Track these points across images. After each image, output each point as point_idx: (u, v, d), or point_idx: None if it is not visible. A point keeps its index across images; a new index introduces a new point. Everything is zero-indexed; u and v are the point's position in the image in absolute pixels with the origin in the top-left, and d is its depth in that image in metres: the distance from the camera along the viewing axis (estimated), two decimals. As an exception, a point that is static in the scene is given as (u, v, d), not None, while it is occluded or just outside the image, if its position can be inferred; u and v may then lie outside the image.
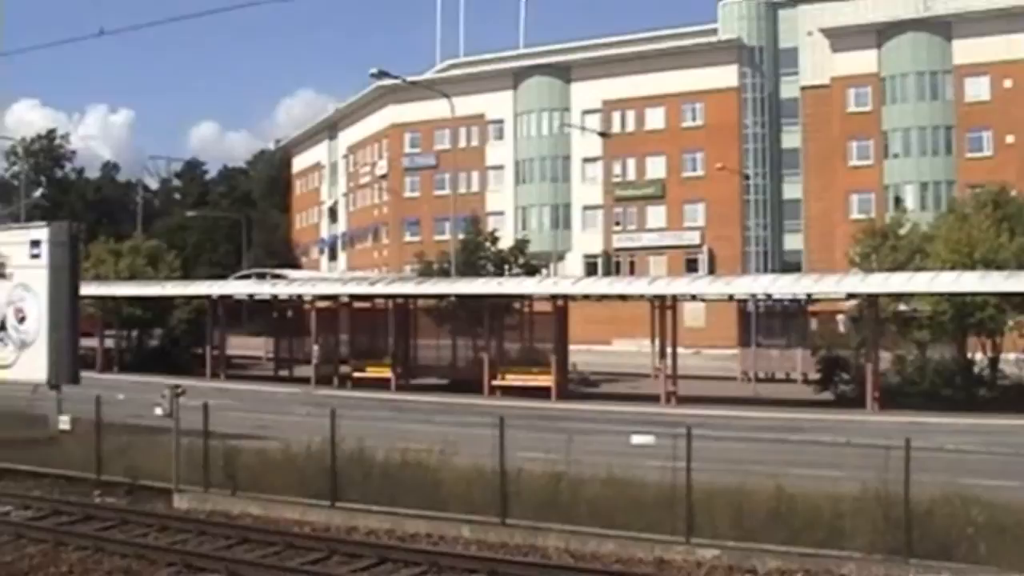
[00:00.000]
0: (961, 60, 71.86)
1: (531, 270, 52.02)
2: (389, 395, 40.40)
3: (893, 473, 14.39)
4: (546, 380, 39.53)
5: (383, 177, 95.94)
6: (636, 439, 18.28)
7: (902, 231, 41.96)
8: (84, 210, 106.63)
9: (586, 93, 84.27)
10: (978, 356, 37.28)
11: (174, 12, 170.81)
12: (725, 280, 44.30)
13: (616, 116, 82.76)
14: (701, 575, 14.84)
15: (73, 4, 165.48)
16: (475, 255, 51.72)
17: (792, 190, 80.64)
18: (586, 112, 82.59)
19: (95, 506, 19.68)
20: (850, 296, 38.43)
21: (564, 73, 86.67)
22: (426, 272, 52.00)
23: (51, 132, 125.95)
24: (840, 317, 44.19)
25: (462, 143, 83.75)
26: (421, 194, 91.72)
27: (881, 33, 74.94)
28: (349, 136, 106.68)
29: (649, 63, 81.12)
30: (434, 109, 74.32)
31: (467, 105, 74.87)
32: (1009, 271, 33.98)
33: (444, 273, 49.59)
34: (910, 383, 36.13)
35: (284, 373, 50.57)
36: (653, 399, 37.25)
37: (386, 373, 43.13)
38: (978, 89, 71.80)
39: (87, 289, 37.03)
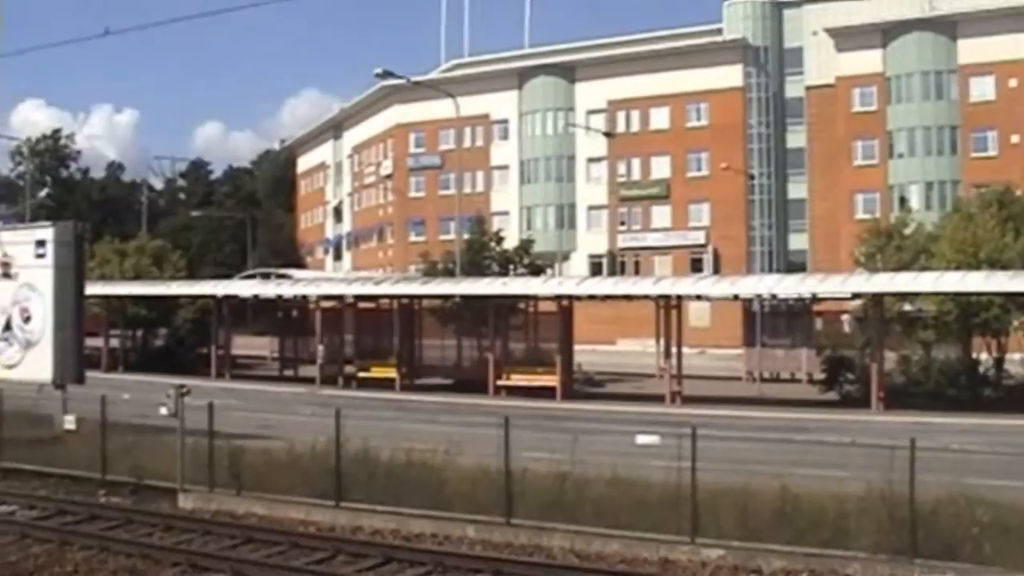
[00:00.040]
0: (966, 60, 71.76)
1: (536, 270, 51.93)
2: (394, 395, 40.42)
3: (898, 473, 14.38)
4: (551, 380, 39.54)
5: (388, 177, 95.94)
6: (641, 439, 18.27)
7: (907, 231, 41.92)
8: (89, 210, 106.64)
9: (591, 93, 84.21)
10: (983, 356, 37.27)
11: (179, 12, 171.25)
12: (730, 280, 44.28)
13: (621, 116, 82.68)
14: (706, 575, 14.84)
15: (78, 4, 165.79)
16: (480, 255, 51.63)
17: (797, 190, 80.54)
18: (591, 112, 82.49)
19: (100, 506, 19.71)
20: (855, 296, 38.44)
21: (569, 73, 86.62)
22: (431, 272, 51.94)
23: (56, 132, 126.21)
24: (845, 317, 44.23)
25: (467, 143, 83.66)
26: (426, 194, 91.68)
27: (886, 33, 74.85)
28: (354, 136, 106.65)
29: (654, 63, 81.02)
30: (439, 109, 74.23)
31: (472, 105, 74.82)
32: (1014, 271, 33.95)
33: (449, 273, 49.55)
34: (915, 383, 36.12)
35: (289, 373, 50.64)
36: (658, 399, 37.26)
37: (391, 373, 43.18)
38: (983, 89, 71.70)
39: (92, 289, 37.13)
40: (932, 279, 34.29)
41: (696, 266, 76.91)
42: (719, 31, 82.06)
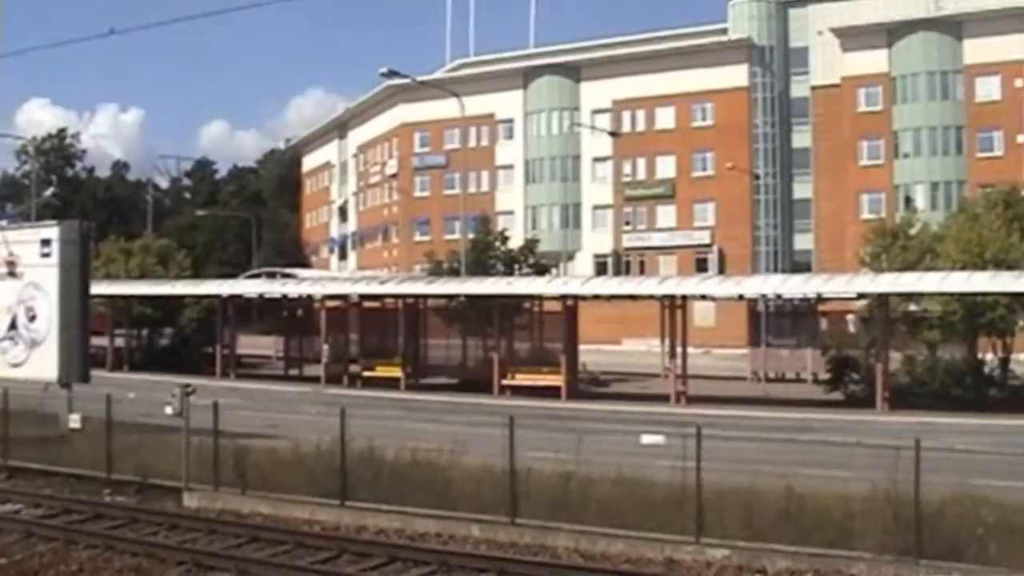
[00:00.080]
0: (972, 60, 71.72)
1: (541, 270, 51.93)
2: (399, 394, 40.41)
3: (903, 473, 14.37)
4: (556, 380, 39.53)
5: (393, 176, 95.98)
6: (646, 439, 18.27)
7: (912, 231, 41.85)
8: (94, 209, 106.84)
9: (596, 92, 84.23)
10: (988, 356, 37.20)
11: (184, 11, 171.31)
12: (735, 280, 44.26)
13: (626, 116, 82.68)
14: (711, 575, 14.83)
15: (83, 4, 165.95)
16: (485, 255, 51.65)
17: (802, 190, 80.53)
18: (596, 112, 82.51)
19: (105, 505, 19.73)
20: (860, 296, 38.39)
21: (574, 73, 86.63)
22: (436, 272, 51.97)
23: (62, 131, 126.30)
24: (850, 317, 44.15)
25: (472, 142, 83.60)
26: (431, 193, 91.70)
27: (892, 33, 74.81)
28: (359, 135, 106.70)
29: (659, 63, 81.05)
30: (444, 108, 74.28)
31: (477, 104, 74.75)
32: (1020, 271, 33.88)
33: (454, 273, 49.55)
34: (920, 383, 36.06)
35: (294, 372, 50.62)
36: (663, 399, 37.22)
37: (396, 372, 43.18)
38: (989, 89, 71.67)
39: (97, 288, 37.14)
40: (937, 279, 34.23)
41: (701, 266, 76.93)
42: (724, 31, 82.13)
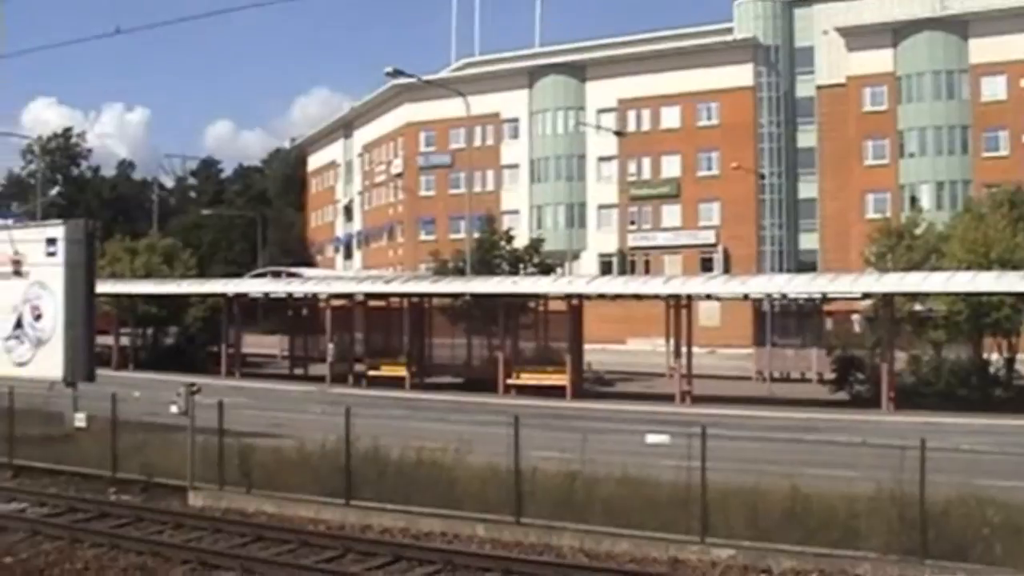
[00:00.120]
0: (977, 59, 71.62)
1: (546, 269, 51.98)
2: (404, 393, 40.44)
3: (908, 473, 14.35)
4: (561, 379, 39.55)
5: (398, 176, 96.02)
6: (651, 438, 18.23)
7: (918, 231, 41.87)
8: (100, 208, 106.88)
9: (601, 92, 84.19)
10: (994, 356, 37.18)
11: (190, 11, 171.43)
12: (740, 279, 44.21)
13: (631, 115, 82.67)
14: (716, 575, 14.82)
15: (89, 3, 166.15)
16: (490, 254, 51.68)
17: (807, 189, 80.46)
18: (601, 111, 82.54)
19: (110, 503, 19.75)
20: (865, 296, 38.35)
21: (579, 72, 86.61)
22: (441, 271, 52.01)
23: (67, 130, 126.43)
24: (855, 317, 44.14)
25: (477, 142, 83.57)
26: (436, 193, 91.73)
27: (897, 32, 74.72)
28: (364, 135, 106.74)
29: (664, 62, 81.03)
30: (449, 108, 74.34)
31: (482, 104, 74.77)
32: (1025, 271, 33.87)
33: (459, 272, 49.59)
34: (925, 383, 36.03)
35: (299, 371, 50.73)
36: (668, 398, 37.24)
37: (401, 372, 43.19)
38: (994, 88, 71.56)
39: (103, 287, 37.21)
40: (943, 279, 34.22)
41: (706, 265, 76.86)
42: (729, 30, 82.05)
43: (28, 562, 16.11)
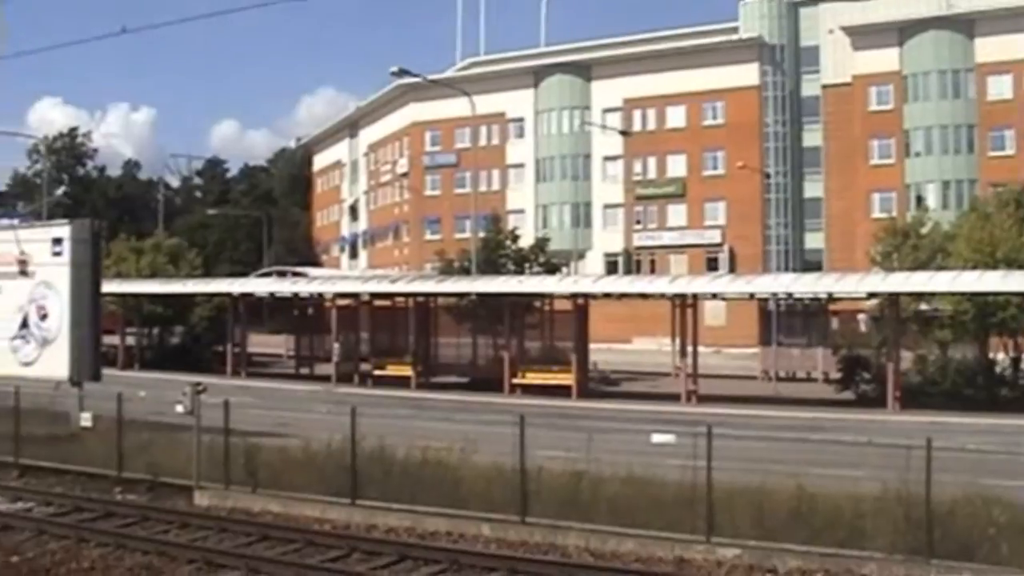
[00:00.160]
0: (983, 58, 71.54)
1: (551, 268, 51.92)
2: (409, 393, 40.43)
3: (914, 473, 14.34)
4: (566, 378, 39.53)
5: (404, 175, 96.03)
6: (656, 438, 18.28)
7: (924, 230, 41.82)
8: (106, 208, 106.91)
9: (607, 91, 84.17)
10: (1000, 356, 37.14)
11: (195, 10, 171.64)
12: (746, 279, 44.14)
13: (637, 114, 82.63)
14: (721, 574, 14.81)
15: (95, 3, 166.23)
16: (495, 253, 51.64)
17: (813, 189, 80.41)
18: (607, 110, 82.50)
19: (116, 503, 19.78)
20: (871, 295, 38.31)
21: (585, 71, 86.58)
22: (446, 270, 51.95)
23: (73, 130, 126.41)
24: (861, 316, 44.13)
25: (483, 141, 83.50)
26: (442, 192, 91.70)
27: (903, 31, 74.63)
28: (370, 134, 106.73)
29: (670, 61, 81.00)
30: (455, 107, 74.39)
31: (488, 103, 74.67)
32: (1031, 270, 33.80)
33: (465, 271, 49.54)
34: (931, 383, 35.99)
35: (305, 371, 50.69)
36: (673, 398, 37.21)
37: (406, 371, 43.21)
38: (1001, 87, 71.46)
39: (109, 287, 37.26)
40: (949, 278, 34.15)
41: (712, 265, 76.83)
42: (735, 30, 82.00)
43: (34, 561, 16.14)
